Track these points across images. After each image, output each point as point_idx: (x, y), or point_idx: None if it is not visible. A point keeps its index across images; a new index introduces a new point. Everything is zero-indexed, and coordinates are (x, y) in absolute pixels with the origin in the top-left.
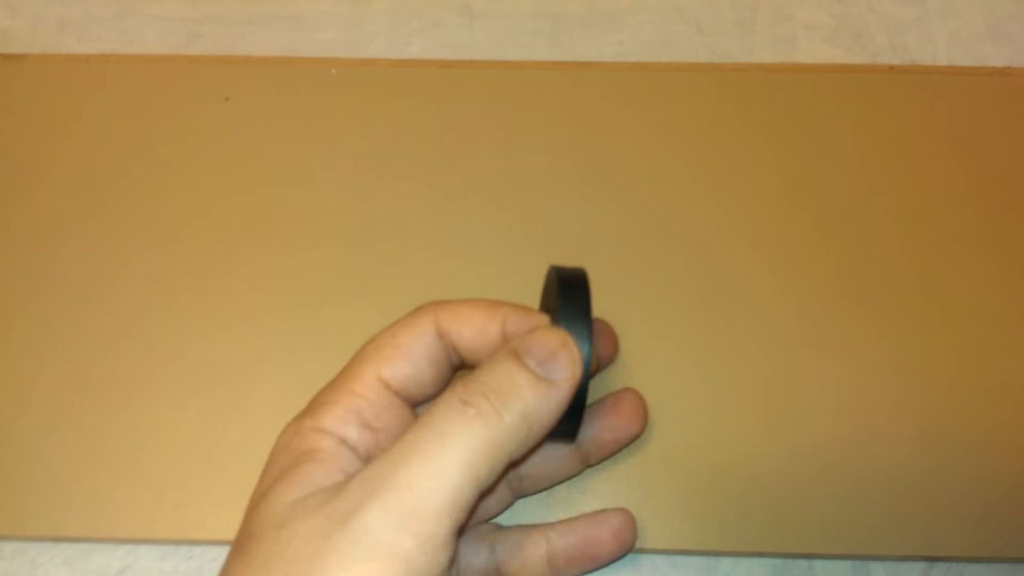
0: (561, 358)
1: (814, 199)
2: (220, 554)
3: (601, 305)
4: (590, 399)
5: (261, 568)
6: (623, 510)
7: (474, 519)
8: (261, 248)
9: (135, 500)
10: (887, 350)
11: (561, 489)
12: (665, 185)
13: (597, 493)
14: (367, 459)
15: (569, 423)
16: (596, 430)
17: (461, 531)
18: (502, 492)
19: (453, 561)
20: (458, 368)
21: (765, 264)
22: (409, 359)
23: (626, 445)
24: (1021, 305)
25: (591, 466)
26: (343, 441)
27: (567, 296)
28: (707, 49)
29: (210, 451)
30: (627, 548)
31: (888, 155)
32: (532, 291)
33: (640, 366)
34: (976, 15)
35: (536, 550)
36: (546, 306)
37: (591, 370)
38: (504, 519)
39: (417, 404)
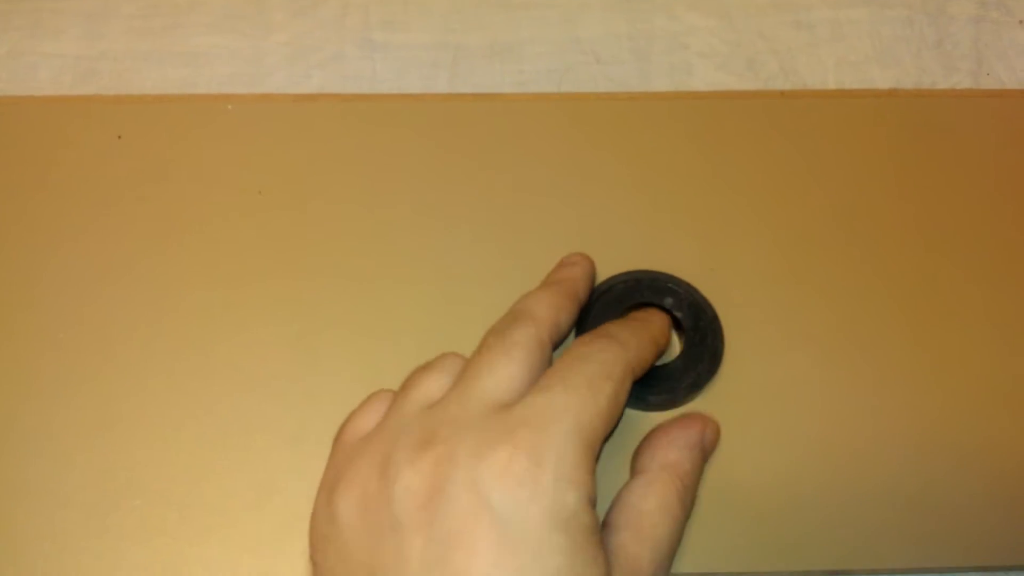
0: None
1: (710, 224)
2: None
3: None
4: None
5: None
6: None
7: None
8: (166, 287)
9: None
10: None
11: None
12: (565, 215)
13: None
14: None
15: None
16: None
17: None
18: None
19: None
20: None
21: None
22: None
23: None
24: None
25: None
26: None
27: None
28: (605, 78)
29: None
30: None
31: (781, 178)
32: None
33: None
34: (863, 40)
35: None
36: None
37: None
38: None
39: None
